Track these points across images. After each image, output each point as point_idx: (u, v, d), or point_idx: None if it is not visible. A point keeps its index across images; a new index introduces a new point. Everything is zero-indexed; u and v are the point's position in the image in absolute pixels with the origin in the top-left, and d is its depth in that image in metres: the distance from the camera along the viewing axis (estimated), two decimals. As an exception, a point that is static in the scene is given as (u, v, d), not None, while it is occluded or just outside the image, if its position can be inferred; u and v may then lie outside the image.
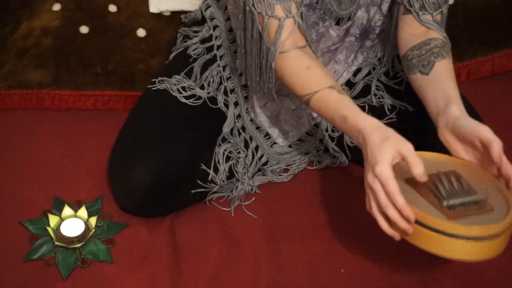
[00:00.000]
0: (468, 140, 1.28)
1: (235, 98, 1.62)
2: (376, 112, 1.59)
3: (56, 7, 1.85)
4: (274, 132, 1.64)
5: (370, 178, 1.22)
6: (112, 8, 1.86)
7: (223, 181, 1.57)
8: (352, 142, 1.61)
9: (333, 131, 1.64)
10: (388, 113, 1.59)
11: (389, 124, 1.57)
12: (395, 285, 1.42)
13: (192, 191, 1.54)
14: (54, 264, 1.45)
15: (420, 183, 1.23)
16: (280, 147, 1.66)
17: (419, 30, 1.46)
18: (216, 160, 1.56)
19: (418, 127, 1.56)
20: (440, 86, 1.37)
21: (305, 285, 1.43)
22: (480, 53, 1.91)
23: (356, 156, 1.63)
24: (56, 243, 1.48)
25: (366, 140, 1.25)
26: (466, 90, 1.66)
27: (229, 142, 1.59)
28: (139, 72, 1.84)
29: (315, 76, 1.37)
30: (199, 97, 1.59)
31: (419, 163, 1.21)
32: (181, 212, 1.56)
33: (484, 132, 1.25)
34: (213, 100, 1.61)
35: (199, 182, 1.54)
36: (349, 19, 1.51)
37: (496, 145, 1.24)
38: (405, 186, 1.26)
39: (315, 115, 1.65)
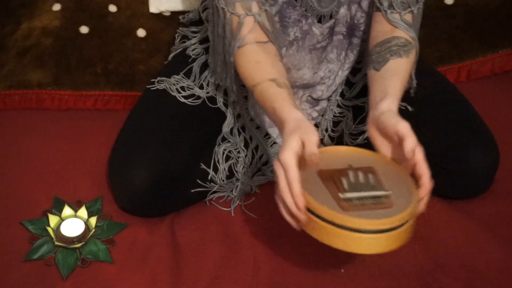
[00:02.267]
0: (389, 136, 1.29)
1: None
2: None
3: (56, 7, 1.85)
4: (274, 132, 1.64)
5: (275, 164, 1.25)
6: (112, 8, 1.86)
7: (223, 180, 1.57)
8: (352, 142, 1.61)
9: (333, 131, 1.64)
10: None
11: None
12: (395, 285, 1.42)
13: (192, 191, 1.54)
14: (54, 264, 1.45)
15: (329, 176, 1.26)
16: (280, 147, 1.65)
17: (387, 28, 1.46)
18: (216, 159, 1.56)
19: (417, 126, 1.56)
20: (383, 83, 1.38)
21: (305, 285, 1.43)
22: (480, 53, 1.91)
23: (356, 156, 1.63)
24: (56, 243, 1.48)
25: (283, 130, 1.28)
26: (466, 90, 1.67)
27: (229, 141, 1.59)
28: (139, 72, 1.84)
29: (261, 69, 1.40)
30: (198, 97, 1.59)
31: (313, 153, 1.24)
32: (181, 212, 1.56)
33: (401, 127, 1.27)
34: (213, 99, 1.61)
35: (199, 182, 1.54)
36: (331, 17, 1.52)
37: (409, 141, 1.25)
38: (315, 178, 1.28)
39: (314, 115, 1.65)
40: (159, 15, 1.87)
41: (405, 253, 1.47)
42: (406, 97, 1.59)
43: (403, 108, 1.59)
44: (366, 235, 1.20)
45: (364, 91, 1.63)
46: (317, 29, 1.52)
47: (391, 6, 1.46)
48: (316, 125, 1.66)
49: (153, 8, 1.86)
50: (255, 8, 1.42)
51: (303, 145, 1.25)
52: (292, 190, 1.22)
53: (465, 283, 1.42)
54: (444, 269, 1.45)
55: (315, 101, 1.64)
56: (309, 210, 1.23)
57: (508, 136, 1.69)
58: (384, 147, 1.32)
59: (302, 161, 1.27)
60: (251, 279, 1.43)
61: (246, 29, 1.42)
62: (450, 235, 1.51)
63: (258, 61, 1.42)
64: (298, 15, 1.51)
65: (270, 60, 1.42)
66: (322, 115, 1.65)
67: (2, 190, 1.59)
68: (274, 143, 1.63)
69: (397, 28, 1.45)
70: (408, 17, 1.46)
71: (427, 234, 1.51)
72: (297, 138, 1.25)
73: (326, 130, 1.64)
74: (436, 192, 1.57)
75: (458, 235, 1.51)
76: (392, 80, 1.39)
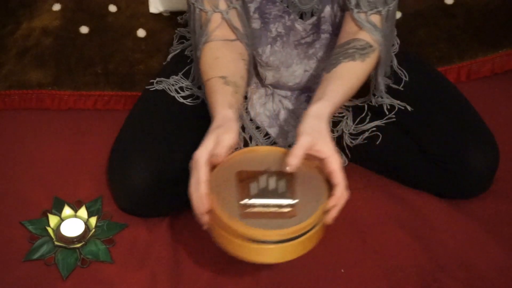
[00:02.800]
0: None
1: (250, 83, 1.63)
2: (375, 112, 1.59)
3: (56, 7, 1.85)
4: (274, 132, 1.64)
5: (191, 161, 1.25)
6: (112, 8, 1.86)
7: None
8: (351, 142, 1.61)
9: (332, 131, 1.64)
10: (387, 113, 1.59)
11: (388, 124, 1.58)
12: (395, 285, 1.42)
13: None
14: (54, 264, 1.45)
15: (244, 179, 1.26)
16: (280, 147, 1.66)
17: (352, 29, 1.45)
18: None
19: (417, 126, 1.56)
20: (324, 86, 1.38)
21: (305, 285, 1.43)
22: (480, 53, 1.91)
23: (356, 156, 1.63)
24: (56, 243, 1.48)
25: (210, 127, 1.29)
26: (466, 90, 1.67)
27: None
28: (139, 72, 1.84)
29: (217, 66, 1.42)
30: (197, 97, 1.59)
31: (216, 154, 1.24)
32: (181, 212, 1.56)
33: (300, 129, 1.27)
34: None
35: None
36: (312, 14, 1.51)
37: (299, 144, 1.25)
38: (232, 179, 1.27)
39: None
40: (159, 15, 1.88)
41: (405, 253, 1.47)
42: (406, 97, 1.59)
43: (403, 108, 1.59)
44: (255, 245, 1.20)
45: (364, 91, 1.63)
46: (299, 26, 1.52)
47: (357, 5, 1.44)
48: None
49: (153, 8, 1.86)
50: (222, 5, 1.44)
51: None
52: (198, 191, 1.23)
53: (465, 283, 1.42)
54: (444, 269, 1.45)
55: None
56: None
57: (508, 136, 1.69)
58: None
59: (227, 160, 1.28)
60: (251, 279, 1.43)
61: (213, 25, 1.44)
62: (450, 235, 1.51)
63: (217, 58, 1.43)
64: (279, 11, 1.51)
65: (229, 58, 1.43)
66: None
67: (2, 190, 1.59)
68: (274, 143, 1.63)
69: (362, 29, 1.43)
70: (375, 18, 1.44)
71: (427, 234, 1.51)
72: (214, 138, 1.26)
73: (326, 130, 1.64)
74: (436, 192, 1.58)
75: (458, 235, 1.51)
76: (334, 83, 1.37)
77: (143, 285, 1.42)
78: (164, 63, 1.73)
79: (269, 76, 1.59)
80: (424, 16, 1.94)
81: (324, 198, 1.25)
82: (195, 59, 1.50)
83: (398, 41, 1.66)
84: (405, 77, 1.61)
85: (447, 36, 1.92)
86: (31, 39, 1.84)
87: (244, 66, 1.45)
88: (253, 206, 1.23)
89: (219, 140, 1.26)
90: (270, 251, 1.21)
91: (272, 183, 1.26)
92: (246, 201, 1.23)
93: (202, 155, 1.25)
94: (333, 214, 1.26)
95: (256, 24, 1.53)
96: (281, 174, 1.27)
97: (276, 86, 1.61)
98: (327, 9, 1.51)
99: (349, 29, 1.45)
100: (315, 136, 1.28)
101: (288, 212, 1.23)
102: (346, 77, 1.39)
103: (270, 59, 1.56)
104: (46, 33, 1.84)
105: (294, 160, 1.26)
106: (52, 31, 1.84)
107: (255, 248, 1.20)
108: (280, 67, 1.57)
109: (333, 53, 1.43)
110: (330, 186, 1.27)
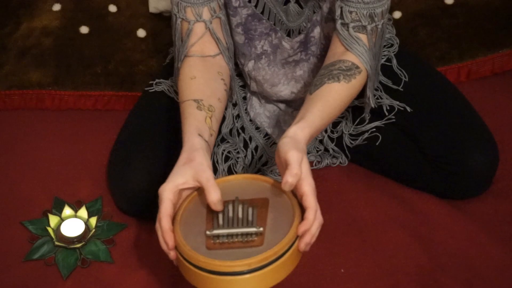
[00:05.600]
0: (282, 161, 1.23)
1: (234, 98, 1.62)
2: (375, 112, 1.59)
3: (56, 7, 1.85)
4: (274, 133, 1.64)
5: (159, 194, 1.23)
6: (112, 8, 1.86)
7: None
8: (351, 143, 1.61)
9: (332, 132, 1.64)
10: (386, 114, 1.59)
11: (388, 124, 1.58)
12: (395, 285, 1.42)
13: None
14: (54, 264, 1.45)
15: (211, 216, 1.22)
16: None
17: (338, 50, 1.41)
18: (215, 160, 1.56)
19: (417, 127, 1.56)
20: (305, 107, 1.33)
21: (305, 285, 1.43)
22: (480, 53, 1.91)
23: (356, 156, 1.63)
24: (56, 243, 1.48)
25: (179, 157, 1.27)
26: (466, 90, 1.67)
27: (228, 142, 1.59)
28: (139, 73, 1.84)
29: (192, 86, 1.38)
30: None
31: (215, 191, 1.20)
32: (181, 212, 1.56)
33: (289, 155, 1.20)
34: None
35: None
36: (299, 32, 1.50)
37: (290, 171, 1.18)
38: (201, 210, 1.24)
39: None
40: (159, 16, 1.87)
41: (405, 253, 1.47)
42: (405, 97, 1.59)
43: (402, 108, 1.59)
44: (220, 277, 1.14)
45: (363, 91, 1.63)
46: (286, 43, 1.50)
47: (341, 15, 1.40)
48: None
49: (153, 8, 1.86)
50: (206, 14, 1.41)
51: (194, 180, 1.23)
52: (162, 225, 1.20)
53: (465, 283, 1.42)
54: (444, 269, 1.45)
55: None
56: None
57: (508, 136, 1.69)
58: (282, 171, 1.25)
59: (200, 192, 1.24)
60: (251, 279, 1.43)
61: (194, 38, 1.41)
62: (450, 235, 1.51)
63: (193, 77, 1.40)
64: (265, 28, 1.49)
65: (206, 77, 1.40)
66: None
67: (2, 190, 1.59)
68: (274, 143, 1.63)
69: (348, 50, 1.39)
70: (362, 36, 1.39)
71: (427, 234, 1.51)
72: (185, 174, 1.23)
73: (326, 131, 1.64)
74: (436, 192, 1.58)
75: (458, 235, 1.51)
76: (315, 105, 1.33)
77: (143, 285, 1.42)
78: (163, 64, 1.73)
79: (253, 85, 1.59)
80: (424, 16, 1.94)
81: (296, 223, 1.19)
82: (175, 70, 1.47)
83: (398, 41, 1.66)
84: (405, 77, 1.61)
85: (447, 36, 1.92)
86: (31, 39, 1.84)
87: (223, 87, 1.42)
88: (219, 236, 1.19)
89: (201, 178, 1.22)
90: (242, 282, 1.15)
91: (240, 211, 1.22)
92: (211, 232, 1.19)
93: (167, 191, 1.22)
94: (306, 239, 1.18)
95: (239, 38, 1.51)
96: (252, 202, 1.24)
97: (262, 96, 1.61)
98: (317, 30, 1.50)
99: (335, 50, 1.41)
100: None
101: (255, 240, 1.18)
102: (327, 98, 1.35)
103: (253, 73, 1.55)
104: (46, 33, 1.84)
105: (293, 179, 1.20)
106: (52, 31, 1.84)
107: (226, 281, 1.15)
108: (263, 84, 1.56)
109: (318, 74, 1.40)
110: (303, 210, 1.21)
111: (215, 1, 1.41)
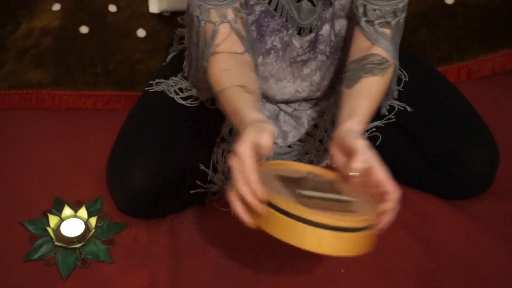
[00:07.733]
0: (349, 154, 1.24)
1: None
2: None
3: (56, 7, 1.85)
4: (274, 133, 1.63)
5: (231, 158, 1.20)
6: (112, 8, 1.86)
7: (222, 181, 1.57)
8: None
9: (332, 131, 1.64)
10: (386, 113, 1.59)
11: (388, 124, 1.58)
12: (395, 285, 1.43)
13: (191, 192, 1.54)
14: (54, 264, 1.45)
15: (288, 179, 1.21)
16: (279, 148, 1.66)
17: (364, 44, 1.43)
18: (215, 160, 1.56)
19: (417, 127, 1.56)
20: (352, 102, 1.35)
21: (305, 285, 1.43)
22: (480, 53, 1.91)
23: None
24: (56, 243, 1.48)
25: (242, 127, 1.25)
26: (466, 90, 1.67)
27: (228, 142, 1.59)
28: (139, 73, 1.84)
29: (230, 76, 1.38)
30: (197, 98, 1.59)
31: (265, 145, 1.18)
32: (181, 213, 1.56)
33: (357, 143, 1.21)
34: (211, 100, 1.61)
35: (198, 183, 1.54)
36: (310, 30, 1.50)
37: (358, 157, 1.20)
38: (272, 180, 1.22)
39: (313, 115, 1.65)
40: (159, 15, 1.87)
41: (405, 253, 1.47)
42: (406, 97, 1.59)
43: (402, 108, 1.59)
44: (324, 231, 1.13)
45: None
46: (296, 42, 1.51)
47: (365, 13, 1.42)
48: (316, 126, 1.66)
49: (153, 8, 1.86)
50: (230, 15, 1.41)
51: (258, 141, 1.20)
52: (250, 180, 1.17)
53: (465, 283, 1.42)
54: (444, 269, 1.45)
55: (314, 101, 1.64)
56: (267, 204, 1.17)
57: (508, 136, 1.69)
58: (342, 165, 1.26)
59: (262, 167, 1.23)
60: (251, 279, 1.43)
61: (220, 38, 1.41)
62: (450, 235, 1.51)
63: (227, 69, 1.40)
64: (277, 25, 1.50)
65: (240, 70, 1.40)
66: (321, 116, 1.65)
67: (2, 190, 1.59)
68: (274, 143, 1.63)
69: (375, 45, 1.41)
70: (386, 31, 1.42)
71: (427, 234, 1.51)
72: (253, 132, 1.20)
73: (326, 131, 1.64)
74: (436, 192, 1.58)
75: (458, 235, 1.51)
76: (361, 100, 1.35)
77: (143, 285, 1.42)
78: (163, 64, 1.73)
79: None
80: (425, 16, 1.94)
81: (373, 203, 1.21)
82: (199, 69, 1.47)
83: (398, 41, 1.66)
84: (405, 77, 1.61)
85: (447, 36, 1.93)
86: (31, 39, 1.84)
87: (256, 78, 1.42)
88: (310, 197, 1.17)
89: (261, 130, 1.20)
90: (336, 240, 1.14)
91: (324, 181, 1.21)
92: (303, 191, 1.17)
93: (246, 148, 1.18)
94: (389, 217, 1.22)
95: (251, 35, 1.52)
96: (325, 177, 1.24)
97: (263, 96, 1.61)
98: (326, 27, 1.50)
99: (360, 45, 1.43)
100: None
101: (349, 207, 1.18)
102: (370, 94, 1.37)
103: (260, 68, 1.55)
104: (46, 33, 1.84)
105: (359, 165, 1.20)
106: (52, 31, 1.84)
107: (322, 235, 1.13)
108: (269, 79, 1.57)
109: (348, 69, 1.41)
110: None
111: (237, 1, 1.42)
